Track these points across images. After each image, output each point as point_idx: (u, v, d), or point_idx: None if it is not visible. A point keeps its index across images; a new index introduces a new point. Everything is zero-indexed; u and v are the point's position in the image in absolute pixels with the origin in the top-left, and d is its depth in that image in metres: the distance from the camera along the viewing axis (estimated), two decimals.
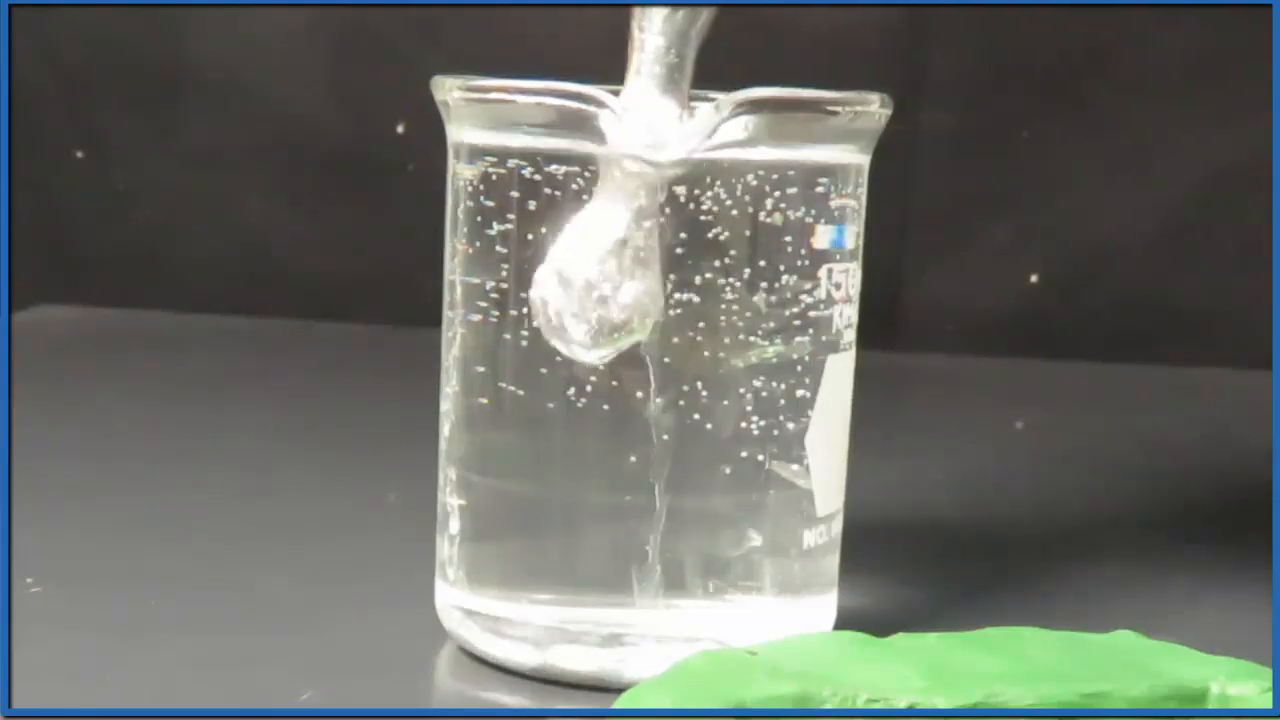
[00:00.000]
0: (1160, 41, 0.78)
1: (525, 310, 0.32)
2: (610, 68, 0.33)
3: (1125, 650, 0.30)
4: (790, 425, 0.33)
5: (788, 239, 0.32)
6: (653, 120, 0.31)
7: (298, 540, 0.43)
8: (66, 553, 0.40)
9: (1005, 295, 0.81)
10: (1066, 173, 0.80)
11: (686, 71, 0.32)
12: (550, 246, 0.32)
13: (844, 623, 0.35)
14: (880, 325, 0.71)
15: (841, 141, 0.33)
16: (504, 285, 0.32)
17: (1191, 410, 0.70)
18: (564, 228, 0.31)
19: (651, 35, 0.32)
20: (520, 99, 0.32)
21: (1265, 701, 0.28)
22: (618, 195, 0.31)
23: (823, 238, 0.32)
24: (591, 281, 0.31)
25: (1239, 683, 0.28)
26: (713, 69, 0.33)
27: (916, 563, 0.42)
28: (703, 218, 0.31)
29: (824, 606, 0.35)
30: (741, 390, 0.32)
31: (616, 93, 0.31)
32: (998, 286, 0.81)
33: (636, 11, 0.32)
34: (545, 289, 0.31)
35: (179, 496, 0.47)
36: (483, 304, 0.33)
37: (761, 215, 0.32)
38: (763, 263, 0.32)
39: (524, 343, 0.32)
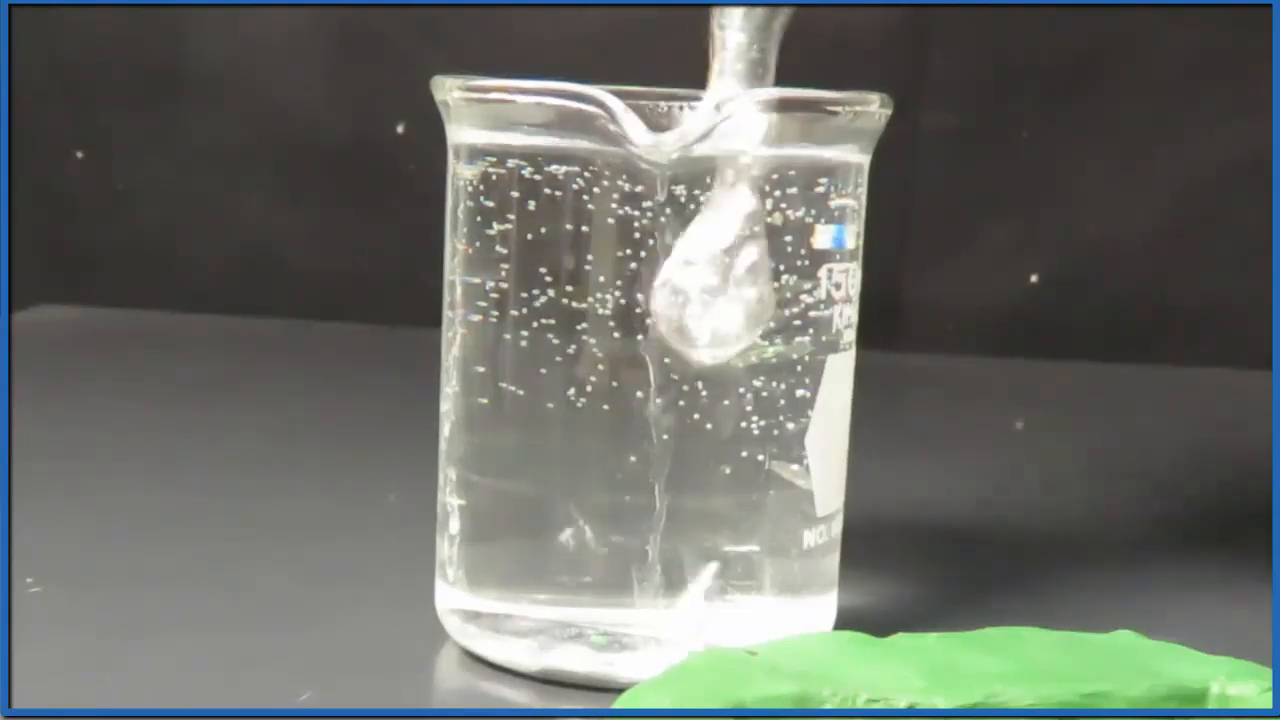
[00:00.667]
0: (1160, 41, 0.78)
1: (525, 310, 0.32)
2: (610, 68, 0.33)
3: (1125, 650, 0.30)
4: (790, 425, 0.33)
5: (788, 239, 0.32)
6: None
7: (298, 540, 0.43)
8: (66, 553, 0.40)
9: (1005, 295, 0.81)
10: (1066, 173, 0.80)
11: (770, 66, 0.32)
12: (550, 247, 0.32)
13: (844, 623, 0.35)
14: (880, 325, 0.72)
15: (841, 141, 0.33)
16: (504, 285, 0.32)
17: (1191, 410, 0.70)
18: (564, 231, 0.31)
19: (733, 32, 0.32)
20: (520, 99, 0.32)
21: (1265, 701, 0.28)
22: (728, 203, 0.31)
23: (823, 238, 0.32)
24: (701, 291, 0.31)
25: (1239, 683, 0.28)
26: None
27: (916, 563, 0.42)
28: None
29: (824, 606, 0.35)
30: (741, 390, 0.32)
31: (617, 93, 0.31)
32: (998, 286, 0.81)
33: (715, 10, 0.32)
34: (659, 299, 0.31)
35: (179, 496, 0.47)
36: (483, 304, 0.33)
37: None
38: None
39: (524, 343, 0.32)
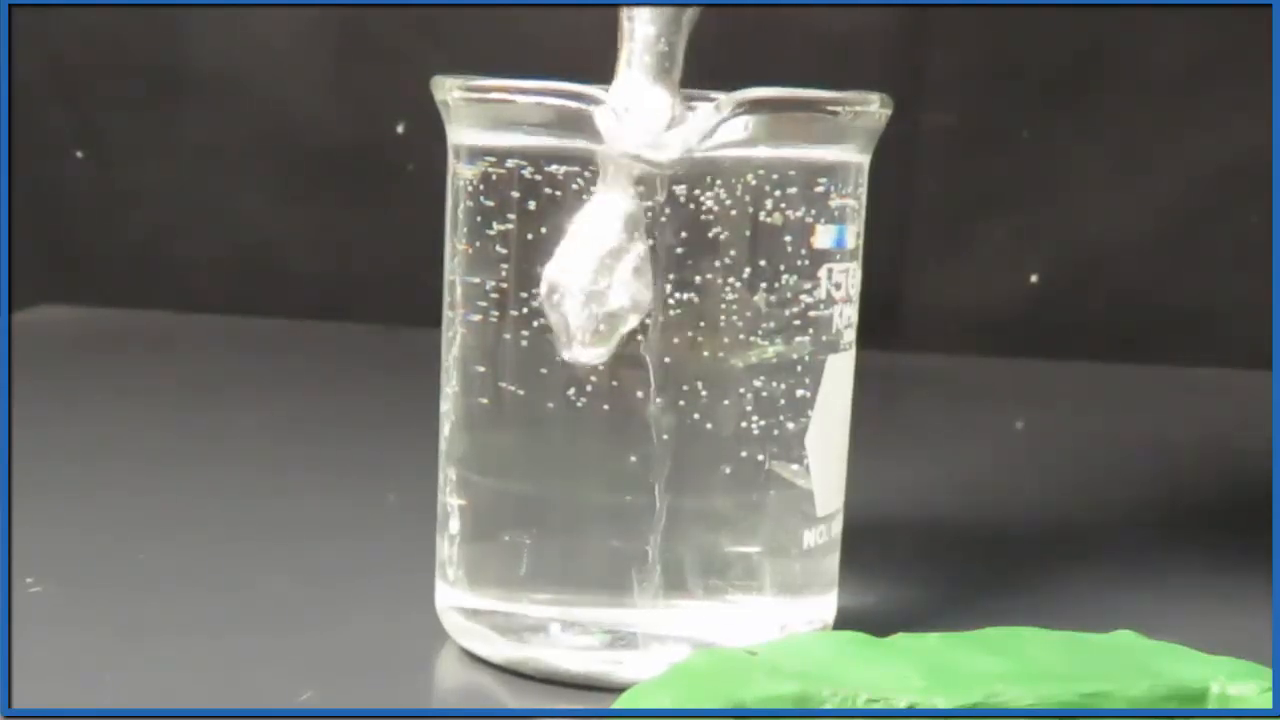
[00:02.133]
0: (1160, 41, 0.78)
1: (525, 310, 0.32)
2: (610, 68, 0.33)
3: (1125, 650, 0.30)
4: (790, 425, 0.33)
5: (788, 239, 0.32)
6: (651, 119, 0.31)
7: (298, 540, 0.43)
8: (66, 553, 0.40)
9: (1005, 295, 0.81)
10: (1066, 173, 0.80)
11: (677, 59, 0.32)
12: (550, 246, 0.32)
13: (844, 623, 0.35)
14: (880, 325, 0.72)
15: (841, 141, 0.33)
16: (504, 285, 0.32)
17: (1191, 410, 0.70)
18: (565, 231, 0.31)
19: (641, 24, 0.32)
20: (520, 99, 0.32)
21: (1265, 701, 0.28)
22: (612, 202, 0.31)
23: (823, 237, 0.32)
24: (582, 290, 0.31)
25: (1239, 683, 0.28)
26: (713, 69, 0.33)
27: (916, 563, 0.42)
28: (703, 218, 0.31)
29: (824, 606, 0.35)
30: (741, 390, 0.32)
31: None
32: (998, 286, 0.81)
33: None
34: (544, 294, 0.31)
35: (179, 496, 0.47)
36: (483, 304, 0.33)
37: (761, 215, 0.32)
38: (763, 263, 0.32)
39: (524, 343, 0.32)
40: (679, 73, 0.32)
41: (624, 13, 0.32)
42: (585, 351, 0.31)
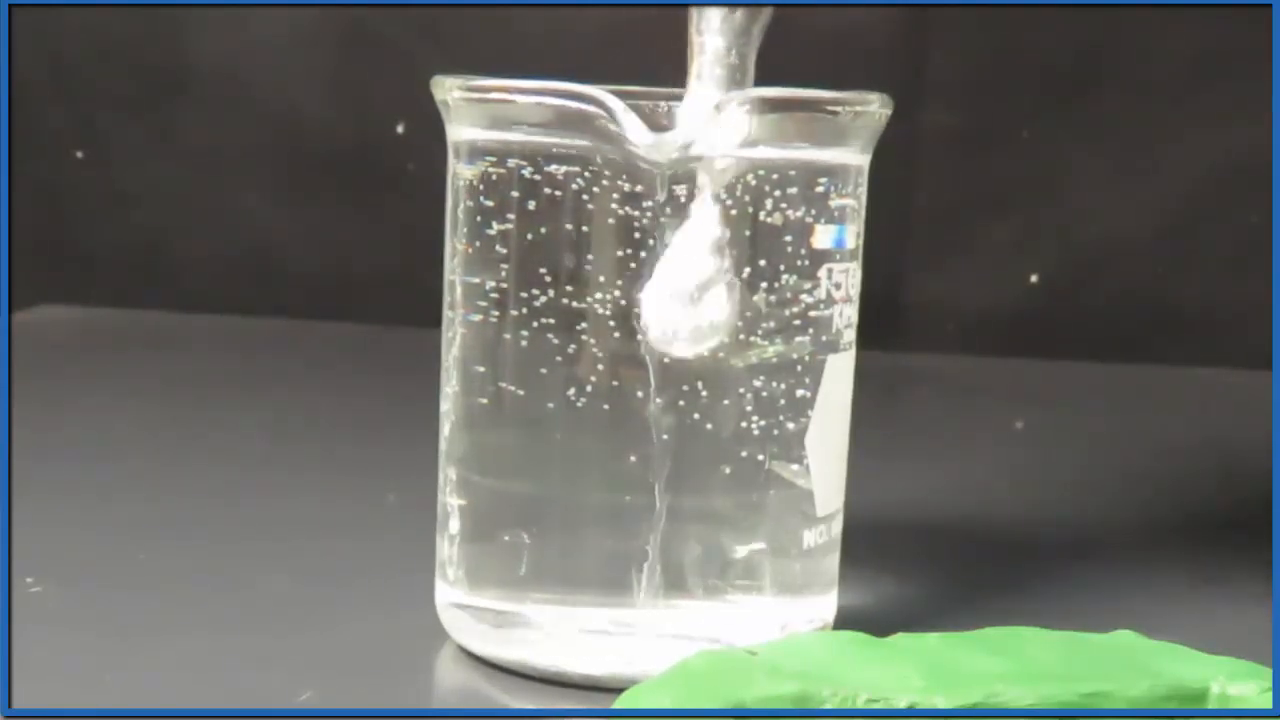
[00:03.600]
0: (1160, 41, 0.78)
1: (525, 310, 0.32)
2: (610, 67, 0.33)
3: (1125, 650, 0.30)
4: (790, 425, 0.33)
5: (788, 239, 0.32)
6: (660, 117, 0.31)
7: (298, 540, 0.43)
8: (66, 553, 0.40)
9: (1005, 295, 0.81)
10: (1066, 173, 0.80)
11: (748, 71, 0.32)
12: (550, 246, 0.32)
13: (844, 623, 0.35)
14: (880, 325, 0.72)
15: (841, 141, 0.33)
16: (504, 285, 0.32)
17: (1191, 410, 0.70)
18: (565, 231, 0.32)
19: (711, 37, 0.32)
20: (520, 99, 0.32)
21: (1265, 701, 0.28)
22: (707, 228, 0.31)
23: (823, 238, 0.32)
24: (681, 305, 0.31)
25: (1239, 683, 0.28)
26: None
27: (916, 563, 0.42)
28: None
29: (824, 606, 0.35)
30: (741, 390, 0.32)
31: (617, 93, 0.31)
32: (998, 286, 0.81)
33: (694, 15, 0.32)
34: (646, 317, 0.31)
35: (179, 496, 0.47)
36: (483, 304, 0.33)
37: (761, 215, 0.32)
38: (763, 263, 0.32)
39: (524, 343, 0.32)
40: (750, 83, 0.32)
41: (693, 26, 0.32)
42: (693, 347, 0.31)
